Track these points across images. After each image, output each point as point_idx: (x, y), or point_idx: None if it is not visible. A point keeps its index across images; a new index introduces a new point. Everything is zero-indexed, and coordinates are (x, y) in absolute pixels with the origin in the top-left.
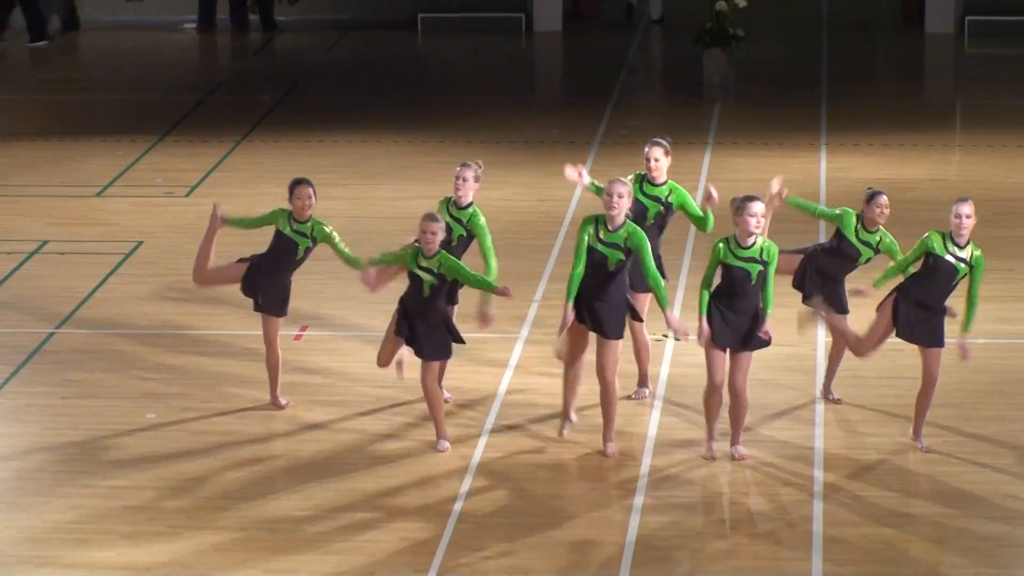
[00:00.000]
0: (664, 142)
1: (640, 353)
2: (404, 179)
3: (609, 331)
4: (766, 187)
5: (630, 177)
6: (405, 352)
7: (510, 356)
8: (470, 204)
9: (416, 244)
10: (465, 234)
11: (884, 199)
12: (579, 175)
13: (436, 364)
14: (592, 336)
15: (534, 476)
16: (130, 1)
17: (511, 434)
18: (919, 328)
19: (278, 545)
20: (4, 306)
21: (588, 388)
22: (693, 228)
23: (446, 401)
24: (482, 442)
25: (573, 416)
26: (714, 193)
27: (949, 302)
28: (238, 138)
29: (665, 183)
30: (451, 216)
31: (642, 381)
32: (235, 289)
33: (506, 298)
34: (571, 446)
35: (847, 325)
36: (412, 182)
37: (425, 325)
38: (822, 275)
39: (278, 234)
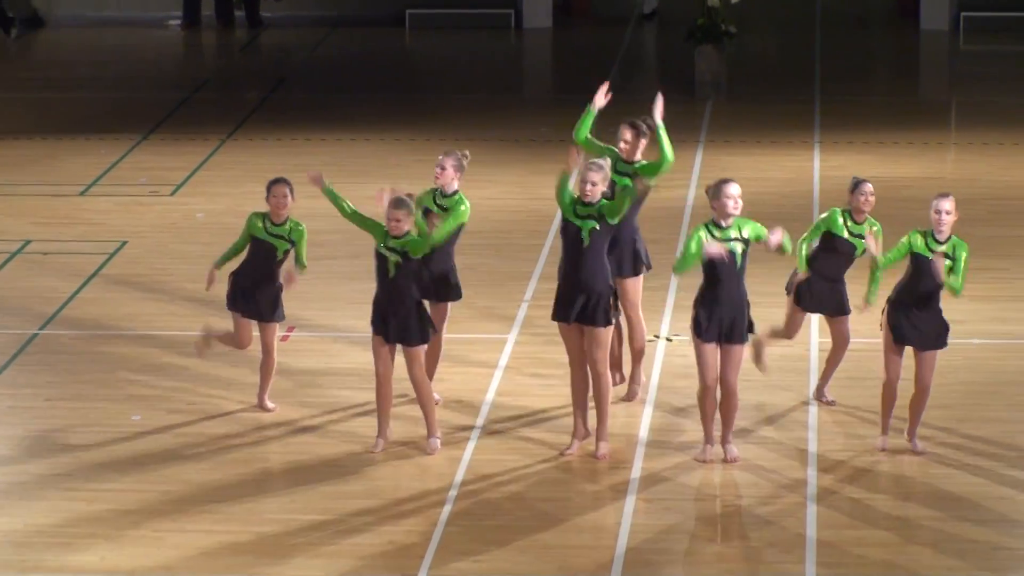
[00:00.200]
0: (637, 122)
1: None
2: (392, 178)
3: (599, 318)
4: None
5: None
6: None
7: (499, 357)
8: (455, 192)
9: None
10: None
11: (869, 187)
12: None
13: (421, 352)
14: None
15: (524, 479)
16: None
17: (501, 436)
18: (918, 332)
19: (264, 548)
20: None
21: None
22: (685, 228)
23: (436, 403)
24: (471, 444)
25: (587, 431)
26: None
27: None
28: (223, 136)
29: (636, 162)
30: (437, 205)
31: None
32: (223, 291)
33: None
34: (559, 447)
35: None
36: (400, 181)
37: (398, 310)
38: (823, 278)
39: (254, 240)
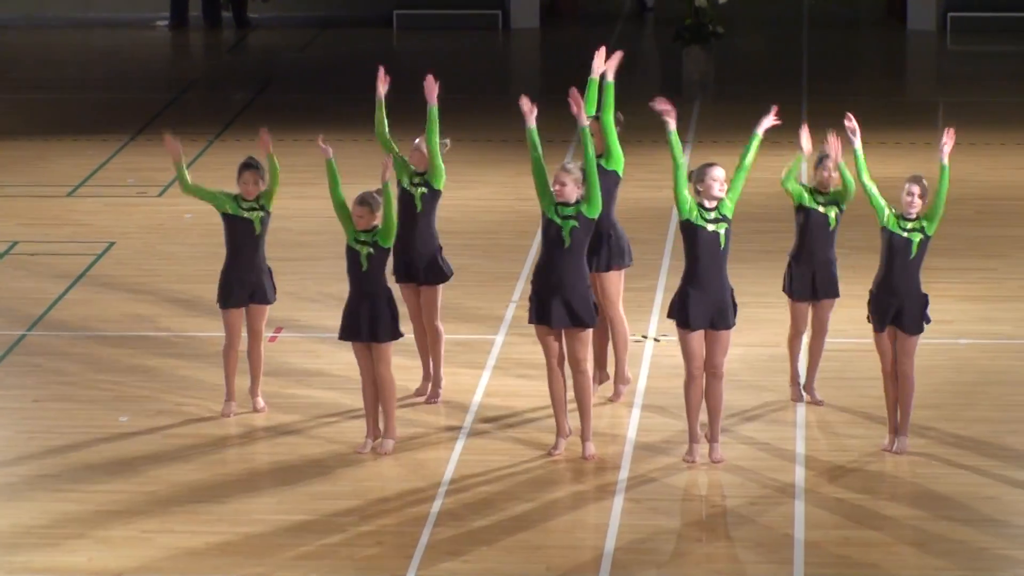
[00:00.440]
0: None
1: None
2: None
3: (586, 318)
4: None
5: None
6: None
7: (488, 358)
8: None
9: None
10: (427, 191)
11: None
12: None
13: (389, 349)
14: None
15: (512, 479)
16: None
17: (488, 436)
18: (900, 316)
19: (252, 549)
20: None
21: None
22: (673, 228)
23: (432, 402)
24: (459, 444)
25: (568, 428)
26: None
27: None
28: (211, 137)
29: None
30: (413, 185)
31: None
32: (211, 292)
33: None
34: (547, 447)
35: None
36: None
37: (368, 305)
38: (814, 257)
39: (229, 219)
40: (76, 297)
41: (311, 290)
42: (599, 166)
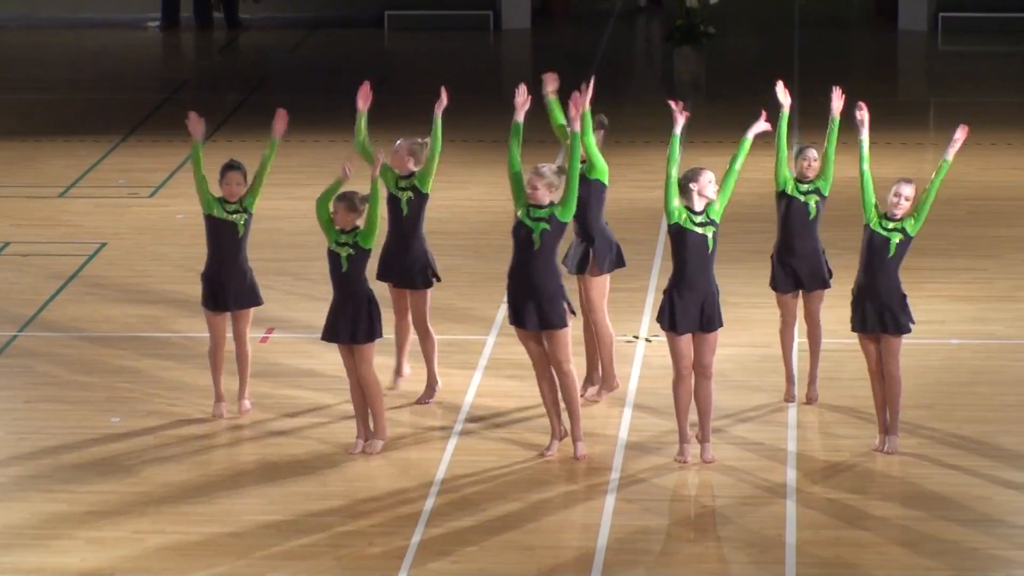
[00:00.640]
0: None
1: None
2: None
3: (555, 319)
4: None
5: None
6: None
7: (479, 358)
8: (411, 174)
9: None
10: (413, 195)
11: (813, 153)
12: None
13: (369, 350)
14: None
15: (504, 480)
16: None
17: (479, 437)
18: (878, 317)
19: (243, 550)
20: None
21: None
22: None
23: (424, 402)
24: (451, 445)
25: (564, 430)
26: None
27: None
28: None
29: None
30: (400, 189)
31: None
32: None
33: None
34: (538, 448)
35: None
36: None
37: (350, 307)
38: (795, 248)
39: (213, 221)
40: (68, 298)
41: (303, 290)
42: (582, 175)
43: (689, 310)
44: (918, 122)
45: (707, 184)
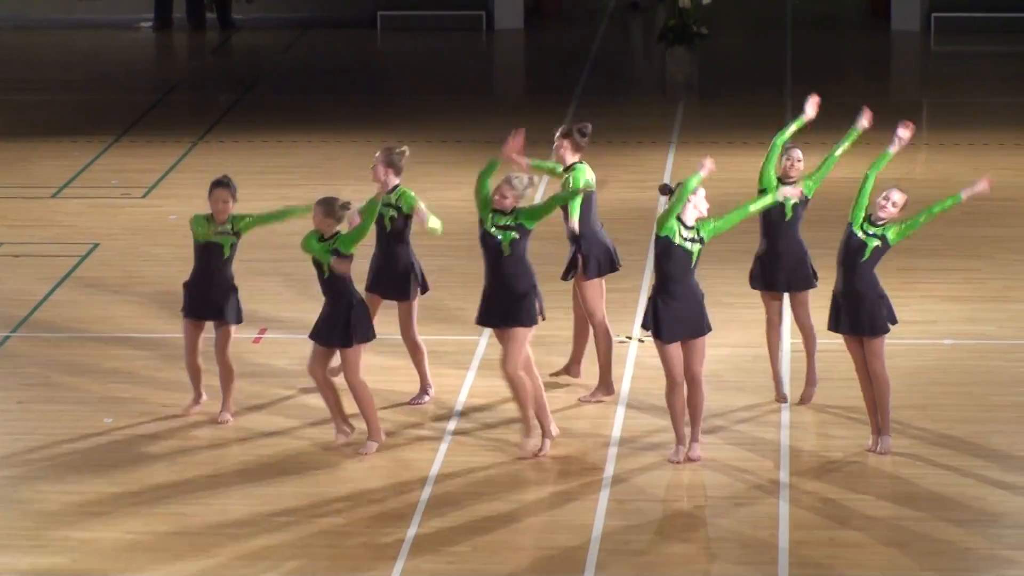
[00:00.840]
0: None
1: (578, 342)
2: (365, 180)
3: (518, 318)
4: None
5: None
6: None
7: (471, 358)
8: (395, 187)
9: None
10: (396, 214)
11: (798, 153)
12: (519, 155)
13: (352, 355)
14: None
15: (497, 479)
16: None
17: (472, 437)
18: (852, 318)
19: (236, 550)
20: None
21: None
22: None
23: (417, 403)
24: (443, 445)
25: (554, 429)
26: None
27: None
28: (196, 138)
29: (571, 166)
30: (386, 205)
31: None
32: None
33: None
34: (533, 449)
35: None
36: (372, 183)
37: (333, 311)
38: (774, 248)
39: (199, 243)
40: (60, 298)
41: (295, 291)
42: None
43: (675, 317)
44: (911, 122)
45: (701, 198)
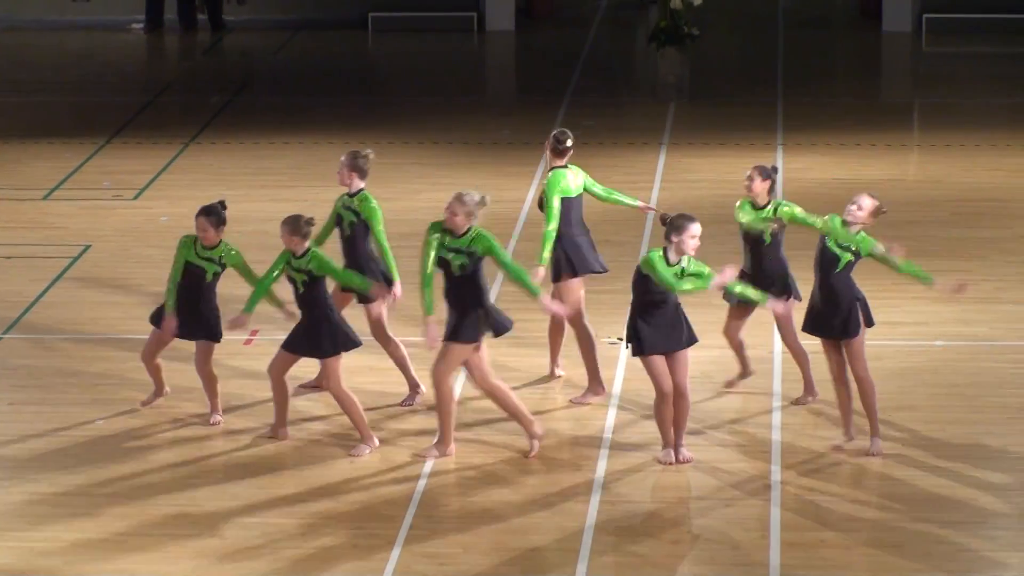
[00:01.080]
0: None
1: (556, 342)
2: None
3: (447, 334)
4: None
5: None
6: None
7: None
8: (358, 191)
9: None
10: (356, 219)
11: (755, 171)
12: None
13: (331, 364)
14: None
15: (487, 481)
16: (76, 0)
17: (464, 439)
18: (829, 322)
19: (228, 553)
20: None
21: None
22: (649, 231)
23: (408, 404)
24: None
25: (538, 429)
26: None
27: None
28: (187, 140)
29: (550, 170)
30: (345, 208)
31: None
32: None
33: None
34: (522, 451)
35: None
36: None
37: (306, 323)
38: (751, 267)
39: (186, 263)
40: (52, 300)
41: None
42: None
43: (655, 332)
44: (902, 123)
45: (689, 239)
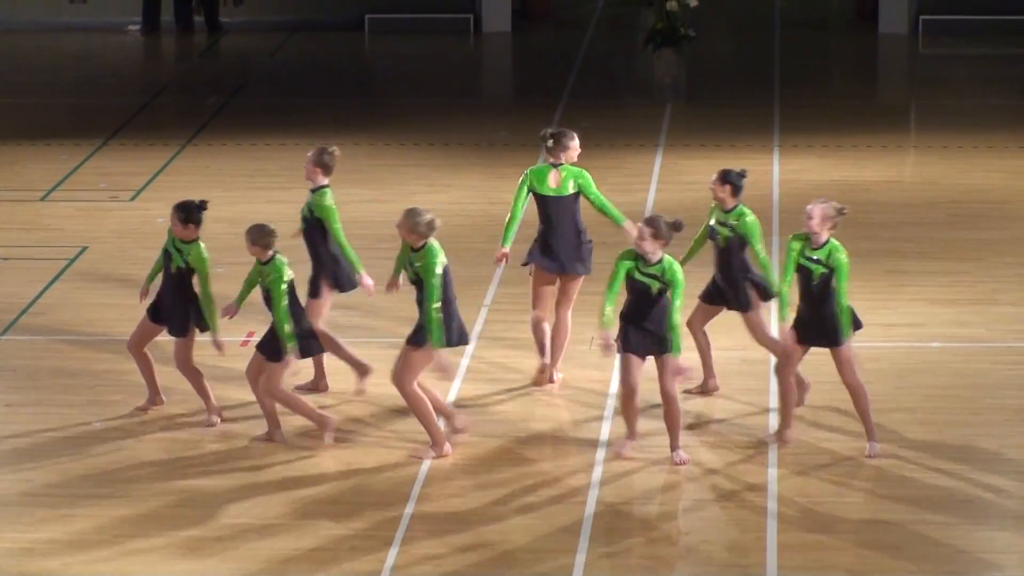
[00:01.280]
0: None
1: (555, 340)
2: (352, 183)
3: (410, 338)
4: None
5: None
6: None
7: (459, 363)
8: (319, 188)
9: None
10: (309, 214)
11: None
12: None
13: (275, 368)
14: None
15: (484, 484)
16: (73, 2)
17: (460, 440)
18: (812, 332)
19: (225, 554)
20: None
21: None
22: None
23: (362, 390)
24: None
25: (458, 422)
26: None
27: None
28: (184, 141)
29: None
30: (306, 203)
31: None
32: None
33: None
34: (519, 453)
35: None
36: (360, 186)
37: (271, 327)
38: (717, 269)
39: (164, 249)
40: (49, 301)
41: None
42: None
43: (640, 336)
44: (899, 125)
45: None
